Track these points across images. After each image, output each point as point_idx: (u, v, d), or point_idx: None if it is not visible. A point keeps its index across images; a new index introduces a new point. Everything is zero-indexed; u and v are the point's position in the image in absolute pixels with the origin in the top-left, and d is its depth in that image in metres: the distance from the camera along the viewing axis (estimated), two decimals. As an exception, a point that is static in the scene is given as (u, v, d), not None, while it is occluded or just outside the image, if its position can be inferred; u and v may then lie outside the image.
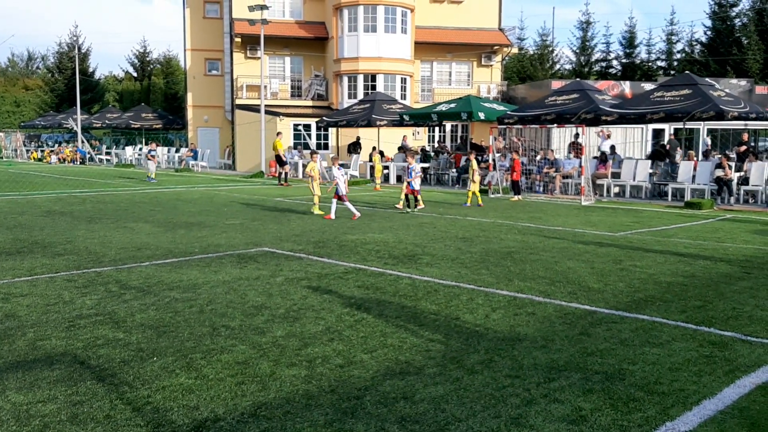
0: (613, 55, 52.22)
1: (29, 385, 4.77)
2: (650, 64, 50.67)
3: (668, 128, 29.28)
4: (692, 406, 4.53)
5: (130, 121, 50.30)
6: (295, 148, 35.05)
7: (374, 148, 31.59)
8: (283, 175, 26.84)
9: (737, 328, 6.38)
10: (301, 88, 39.78)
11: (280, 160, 27.35)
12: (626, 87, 35.04)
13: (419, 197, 16.83)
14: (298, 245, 11.10)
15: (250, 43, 37.58)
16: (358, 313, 6.80)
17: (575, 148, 24.33)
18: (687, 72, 25.70)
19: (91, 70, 65.11)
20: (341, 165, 16.11)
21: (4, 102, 69.70)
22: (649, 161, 22.25)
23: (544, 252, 10.61)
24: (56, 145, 51.16)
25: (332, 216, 14.80)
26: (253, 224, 13.82)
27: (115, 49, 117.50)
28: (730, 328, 6.40)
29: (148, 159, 29.45)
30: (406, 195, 16.65)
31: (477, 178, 18.70)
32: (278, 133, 28.92)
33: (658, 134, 30.82)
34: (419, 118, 29.24)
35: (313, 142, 35.71)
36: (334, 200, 15.13)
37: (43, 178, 28.66)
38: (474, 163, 18.92)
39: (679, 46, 49.86)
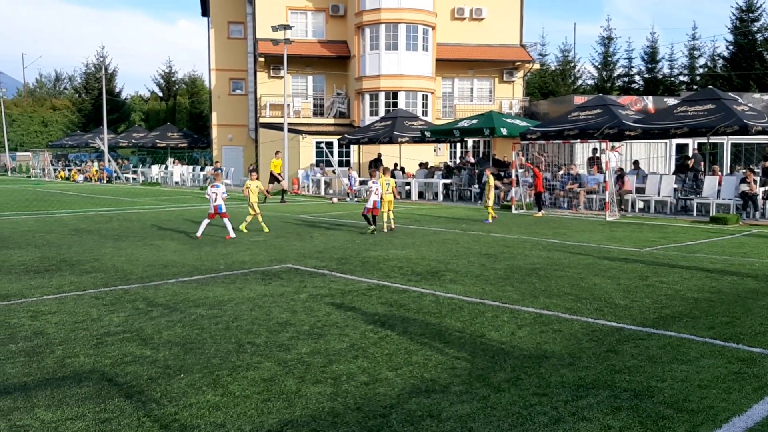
0: (635, 70, 52.07)
1: (58, 402, 4.82)
2: (673, 78, 50.40)
3: (692, 143, 29.02)
4: (722, 424, 4.46)
5: (156, 141, 51.03)
6: (317, 165, 35.28)
7: (396, 165, 31.70)
8: (267, 193, 26.71)
9: (766, 344, 6.27)
10: (324, 106, 40.10)
11: (273, 178, 27.36)
12: (649, 102, 34.85)
13: (374, 216, 15.52)
14: (321, 262, 11.13)
15: (273, 62, 38.01)
16: (382, 330, 6.79)
17: (596, 163, 24.18)
18: (710, 87, 25.49)
19: (117, 90, 66.29)
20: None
21: (33, 122, 71.04)
22: (674, 176, 22.05)
23: (570, 268, 10.54)
24: (83, 164, 51.96)
25: (200, 234, 14.20)
26: (277, 241, 13.89)
27: (141, 70, 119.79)
28: (758, 344, 6.30)
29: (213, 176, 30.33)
30: (368, 216, 15.51)
31: (492, 194, 18.67)
32: (277, 152, 29.09)
33: (681, 149, 30.56)
34: (441, 135, 29.29)
35: (335, 160, 35.92)
36: (206, 219, 14.51)
37: (71, 196, 29.10)
38: (491, 179, 18.93)
39: (701, 61, 49.60)
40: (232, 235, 14.31)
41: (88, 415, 4.58)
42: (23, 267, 10.54)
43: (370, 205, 15.59)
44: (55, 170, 53.61)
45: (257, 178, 16.91)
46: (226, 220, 14.46)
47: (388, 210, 15.91)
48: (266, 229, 15.58)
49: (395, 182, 17.42)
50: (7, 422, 4.44)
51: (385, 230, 15.68)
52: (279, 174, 27.76)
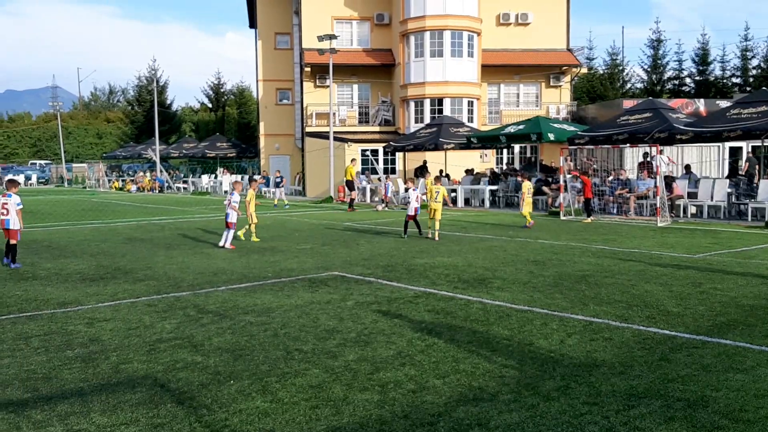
0: (685, 73, 50.91)
1: (112, 407, 4.94)
2: (725, 80, 49.11)
3: (746, 146, 28.22)
4: (783, 437, 4.32)
5: (206, 151, 51.95)
6: (363, 173, 35.44)
7: (441, 172, 31.63)
8: (348, 200, 27.12)
9: (830, 355, 6.05)
10: (369, 114, 40.29)
11: (350, 186, 27.67)
12: (701, 105, 34.05)
13: (416, 221, 16.01)
14: (367, 269, 11.17)
15: (319, 72, 38.38)
16: (429, 337, 6.78)
17: (647, 168, 23.72)
18: (764, 88, 24.78)
19: (168, 102, 67.76)
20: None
21: (88, 134, 73.25)
22: (727, 180, 21.48)
23: (620, 275, 10.35)
24: (135, 175, 53.28)
25: (230, 244, 14.33)
26: (324, 249, 13.99)
27: (191, 82, 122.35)
28: (821, 354, 6.08)
29: (280, 187, 30.85)
30: (411, 221, 15.96)
31: (529, 199, 18.50)
32: (352, 160, 29.49)
33: (735, 152, 29.76)
34: (487, 141, 29.12)
35: (380, 167, 36.03)
36: (230, 229, 14.52)
37: (124, 206, 29.85)
38: (525, 184, 18.86)
39: (754, 62, 48.18)
40: (228, 246, 14.27)
41: (141, 420, 4.69)
42: (79, 275, 10.85)
43: (411, 212, 15.83)
44: (109, 181, 55.08)
45: (257, 188, 16.70)
46: (228, 230, 14.47)
47: (434, 218, 15.67)
48: (255, 239, 15.40)
49: (445, 190, 17.26)
50: (65, 426, 4.58)
51: (429, 236, 15.68)
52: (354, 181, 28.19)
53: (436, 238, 15.45)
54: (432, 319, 7.59)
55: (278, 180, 31.56)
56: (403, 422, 4.60)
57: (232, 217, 14.52)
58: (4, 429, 4.54)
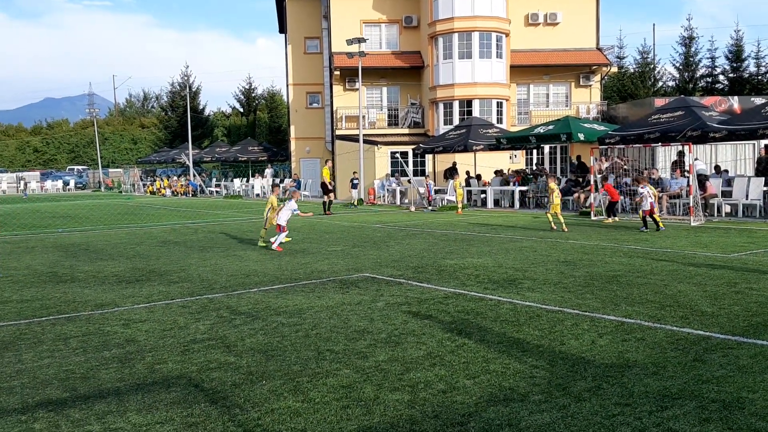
0: (719, 70, 50.07)
1: (148, 406, 5.04)
2: (760, 77, 48.20)
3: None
4: (820, 438, 4.25)
5: (238, 155, 52.53)
6: (392, 175, 35.50)
7: (468, 173, 31.54)
8: (327, 204, 26.18)
9: None
10: (398, 117, 40.35)
11: (325, 188, 27.00)
12: (735, 102, 33.47)
13: (653, 217, 17.17)
14: (397, 270, 11.20)
15: (348, 75, 38.57)
16: (459, 338, 6.78)
17: (680, 167, 23.38)
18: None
19: (201, 107, 68.63)
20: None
21: (123, 140, 74.59)
22: (763, 178, 21.07)
23: (653, 275, 10.23)
24: (170, 179, 54.05)
25: (279, 247, 14.43)
26: (354, 250, 14.06)
27: (222, 87, 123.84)
28: None
29: (352, 189, 32.65)
30: (645, 218, 17.31)
31: (556, 200, 18.33)
32: (326, 161, 29.24)
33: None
34: (517, 142, 28.97)
35: (410, 169, 36.07)
36: (282, 232, 14.60)
37: (159, 210, 30.29)
38: (552, 185, 18.82)
39: (791, 58, 47.26)
40: (275, 247, 14.39)
41: (176, 419, 4.77)
42: (116, 277, 11.06)
43: (647, 207, 17.09)
44: (144, 185, 55.97)
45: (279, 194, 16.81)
46: (280, 233, 14.60)
47: (556, 213, 17.87)
48: (262, 243, 15.31)
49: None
50: (102, 425, 4.69)
51: (554, 227, 17.45)
52: (330, 183, 27.29)
53: (565, 229, 17.20)
54: (462, 319, 7.60)
55: (356, 182, 32.50)
56: (433, 422, 4.62)
57: (282, 220, 14.66)
58: (44, 427, 4.67)
